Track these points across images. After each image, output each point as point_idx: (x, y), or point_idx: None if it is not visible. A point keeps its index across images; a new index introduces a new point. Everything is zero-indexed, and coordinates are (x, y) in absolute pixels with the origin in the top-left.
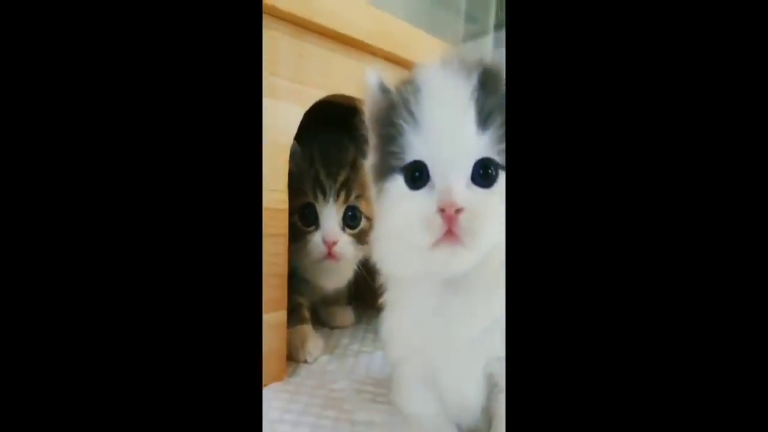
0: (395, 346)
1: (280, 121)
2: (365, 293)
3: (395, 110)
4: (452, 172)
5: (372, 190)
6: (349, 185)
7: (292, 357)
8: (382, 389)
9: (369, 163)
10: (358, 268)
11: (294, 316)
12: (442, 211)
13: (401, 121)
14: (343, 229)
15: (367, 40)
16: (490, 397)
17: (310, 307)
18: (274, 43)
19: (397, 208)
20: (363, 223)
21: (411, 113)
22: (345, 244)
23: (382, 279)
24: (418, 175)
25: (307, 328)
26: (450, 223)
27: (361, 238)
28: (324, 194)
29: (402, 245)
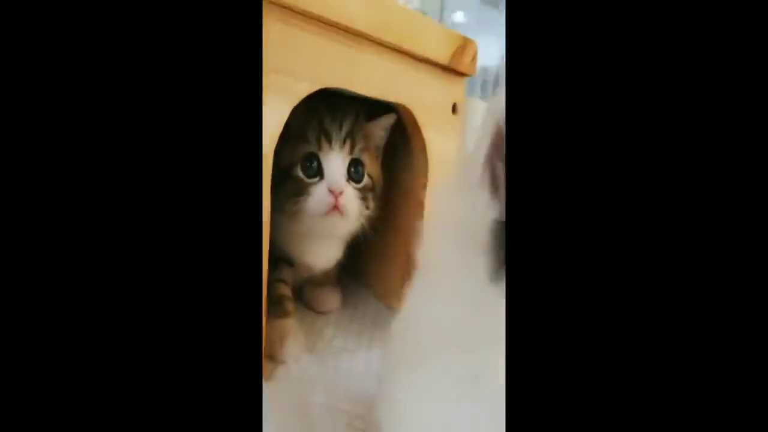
0: None
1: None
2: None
3: None
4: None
5: None
6: (354, 135)
7: (269, 355)
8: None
9: None
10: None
11: (275, 308)
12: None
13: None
14: (348, 182)
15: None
16: None
17: (293, 295)
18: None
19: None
20: (366, 180)
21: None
22: (351, 197)
23: None
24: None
25: (289, 323)
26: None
27: (365, 196)
28: (329, 141)
29: None
